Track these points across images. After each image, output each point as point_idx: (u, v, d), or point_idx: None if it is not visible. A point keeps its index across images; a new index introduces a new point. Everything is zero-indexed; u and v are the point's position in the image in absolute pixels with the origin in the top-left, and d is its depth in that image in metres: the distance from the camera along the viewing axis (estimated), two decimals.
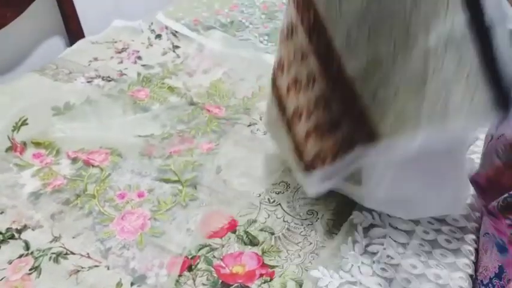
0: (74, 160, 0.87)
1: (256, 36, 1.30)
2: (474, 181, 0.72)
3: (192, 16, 1.37)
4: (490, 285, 0.61)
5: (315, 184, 0.67)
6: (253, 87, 1.10)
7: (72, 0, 1.30)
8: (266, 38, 1.30)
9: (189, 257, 0.69)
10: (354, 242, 0.71)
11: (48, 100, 0.99)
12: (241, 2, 1.49)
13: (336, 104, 0.59)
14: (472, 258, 0.68)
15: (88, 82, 1.10)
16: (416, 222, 0.74)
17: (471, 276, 0.66)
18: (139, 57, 1.22)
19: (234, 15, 1.41)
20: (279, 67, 0.71)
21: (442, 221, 0.73)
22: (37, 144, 0.90)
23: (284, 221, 0.75)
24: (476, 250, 0.69)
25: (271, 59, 1.16)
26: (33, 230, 0.74)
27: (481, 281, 0.63)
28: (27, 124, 0.93)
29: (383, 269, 0.67)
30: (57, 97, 1.01)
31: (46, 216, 0.76)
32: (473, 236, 0.70)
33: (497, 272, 0.61)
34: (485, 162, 0.72)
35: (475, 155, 0.86)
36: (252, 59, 1.17)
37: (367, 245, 0.70)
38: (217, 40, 1.26)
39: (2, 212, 0.77)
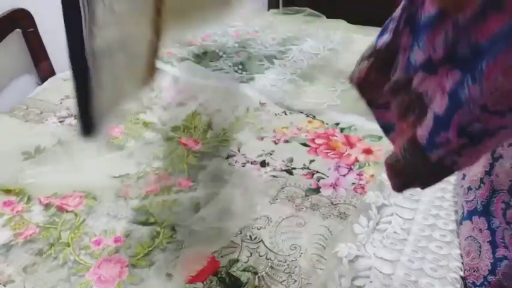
0: (47, 206, 0.84)
1: (230, 66, 1.30)
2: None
3: (165, 48, 1.36)
4: (485, 283, 0.61)
5: None
6: (230, 118, 1.09)
7: (40, 37, 1.27)
8: (240, 67, 1.29)
9: None
10: (340, 276, 0.69)
11: (18, 145, 0.97)
12: (214, 31, 1.49)
13: None
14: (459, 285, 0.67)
15: (60, 122, 1.08)
16: (401, 250, 0.73)
17: None
18: None
19: (207, 45, 1.41)
20: None
21: (425, 248, 0.73)
22: (7, 192, 0.87)
23: (267, 258, 0.73)
24: (462, 277, 0.68)
25: (246, 89, 1.17)
26: (4, 286, 0.70)
27: (473, 283, 0.63)
28: None
29: None
30: (28, 141, 0.98)
31: (18, 269, 0.73)
32: (458, 263, 0.70)
33: (490, 269, 0.60)
34: None
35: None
36: (228, 90, 1.16)
37: (353, 279, 0.69)
38: (191, 72, 1.25)
39: None
